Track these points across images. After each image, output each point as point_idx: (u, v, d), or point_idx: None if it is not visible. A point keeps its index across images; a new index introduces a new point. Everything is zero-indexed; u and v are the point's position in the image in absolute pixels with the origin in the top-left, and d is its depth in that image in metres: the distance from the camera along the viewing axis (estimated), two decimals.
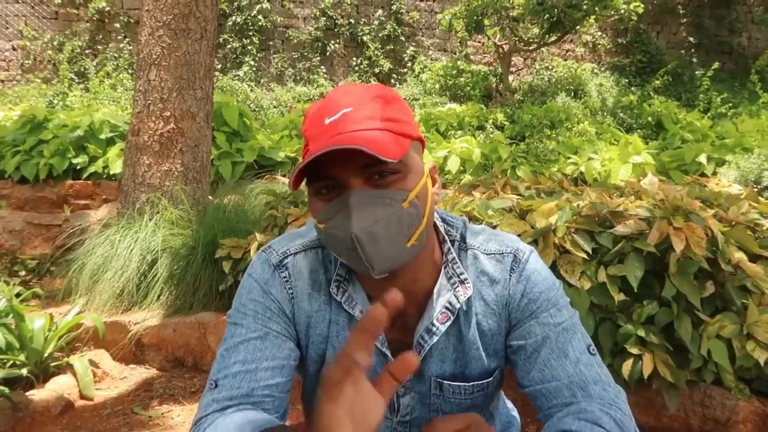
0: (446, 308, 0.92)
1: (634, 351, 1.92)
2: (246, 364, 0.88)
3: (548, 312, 0.92)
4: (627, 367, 1.92)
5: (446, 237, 0.96)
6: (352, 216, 0.77)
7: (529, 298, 0.93)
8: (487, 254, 0.96)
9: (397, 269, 0.85)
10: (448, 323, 0.93)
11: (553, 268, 2.01)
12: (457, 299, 0.92)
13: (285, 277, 0.95)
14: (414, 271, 0.90)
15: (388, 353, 0.94)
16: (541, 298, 0.93)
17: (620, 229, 2.04)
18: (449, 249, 0.95)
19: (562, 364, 0.88)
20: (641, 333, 1.93)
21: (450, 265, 0.94)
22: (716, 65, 8.82)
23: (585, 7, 7.40)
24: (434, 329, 0.92)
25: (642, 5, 7.66)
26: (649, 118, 7.32)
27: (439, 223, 0.97)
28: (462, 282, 0.93)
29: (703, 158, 5.08)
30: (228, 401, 0.85)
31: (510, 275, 0.94)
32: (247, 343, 0.90)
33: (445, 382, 0.95)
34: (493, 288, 0.94)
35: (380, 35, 9.70)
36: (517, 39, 8.62)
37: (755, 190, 3.82)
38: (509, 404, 1.25)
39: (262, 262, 0.97)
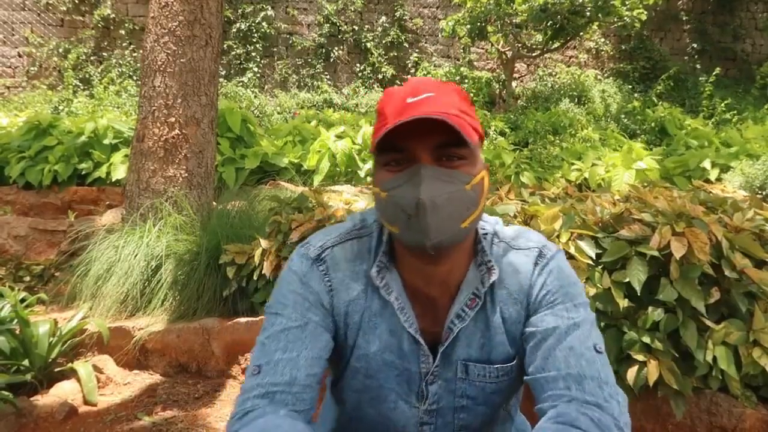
0: (474, 293, 0.98)
1: (639, 358, 1.91)
2: (287, 352, 0.92)
3: (564, 305, 0.95)
4: (632, 373, 1.90)
5: (481, 232, 1.01)
6: (421, 184, 0.84)
7: (548, 290, 0.97)
8: (516, 249, 1.02)
9: (443, 253, 0.89)
10: (477, 308, 0.98)
11: None
12: (483, 284, 0.97)
13: (323, 270, 0.99)
14: (453, 260, 0.96)
15: (422, 341, 0.98)
16: (560, 291, 0.96)
17: (624, 233, 2.04)
18: (480, 240, 1.00)
19: (564, 355, 0.90)
20: (646, 339, 1.92)
21: (480, 254, 0.99)
22: (718, 71, 8.81)
23: (588, 13, 7.41)
24: (464, 314, 0.98)
25: (645, 12, 7.67)
26: (653, 124, 7.32)
27: None
28: (489, 269, 0.97)
29: (707, 164, 5.07)
30: (272, 387, 0.89)
31: (534, 267, 0.99)
32: (287, 332, 0.94)
33: (471, 364, 0.99)
34: (517, 277, 0.99)
35: (384, 42, 9.74)
36: (520, 45, 8.63)
37: (760, 196, 3.81)
38: (524, 418, 1.26)
39: (300, 257, 1.01)
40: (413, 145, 0.86)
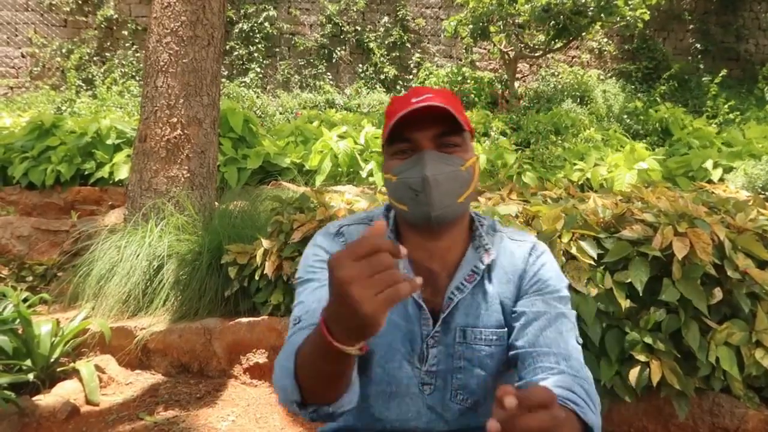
0: (473, 270, 1.11)
1: (641, 358, 1.91)
2: (322, 302, 0.96)
3: (552, 296, 1.09)
4: (634, 374, 1.90)
5: (477, 223, 1.17)
6: (426, 165, 1.02)
7: (539, 277, 1.11)
8: (511, 239, 1.18)
9: (443, 227, 1.07)
10: (475, 282, 1.11)
11: None
12: (482, 262, 1.11)
13: (343, 241, 1.16)
14: (453, 236, 1.12)
15: (424, 306, 1.10)
16: (550, 283, 1.10)
17: (626, 234, 2.03)
18: (478, 228, 1.16)
19: (554, 336, 1.04)
20: (648, 340, 1.92)
21: (477, 239, 1.15)
22: (724, 72, 8.79)
23: (591, 13, 7.39)
24: (463, 287, 1.11)
25: (648, 12, 7.65)
26: (656, 125, 7.30)
27: (472, 214, 1.18)
28: (486, 250, 1.13)
29: (709, 164, 5.06)
30: (311, 329, 0.95)
31: (529, 255, 1.14)
32: (321, 289, 1.06)
33: (468, 329, 1.11)
34: (513, 260, 1.14)
35: (386, 42, 9.74)
36: (522, 45, 8.62)
37: (763, 196, 3.80)
38: None
39: (322, 234, 1.17)
40: (418, 135, 1.04)
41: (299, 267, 1.16)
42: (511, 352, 1.08)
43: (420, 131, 1.05)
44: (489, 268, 1.13)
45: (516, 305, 1.10)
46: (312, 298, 1.07)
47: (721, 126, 7.54)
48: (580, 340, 1.07)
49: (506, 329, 1.11)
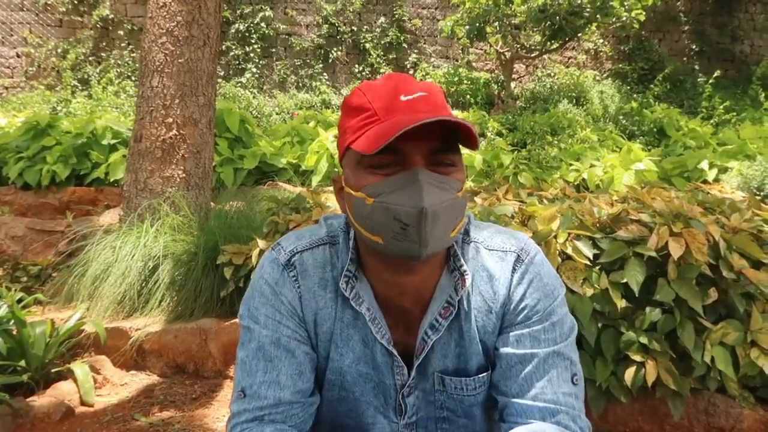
0: (447, 302, 0.92)
1: (637, 358, 1.91)
2: (267, 373, 0.91)
3: (542, 326, 0.91)
4: (630, 374, 1.90)
5: None
6: (423, 192, 0.77)
7: (526, 303, 0.92)
8: (489, 249, 0.95)
9: (418, 265, 0.87)
10: (450, 318, 0.92)
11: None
12: (457, 292, 0.92)
13: (294, 276, 0.95)
14: (428, 269, 0.91)
15: (395, 352, 0.94)
16: (539, 306, 0.92)
17: (622, 234, 2.03)
18: (453, 244, 0.93)
19: (542, 386, 0.89)
20: (644, 340, 1.92)
21: (452, 259, 0.93)
22: (718, 72, 8.82)
23: (586, 14, 7.41)
24: (437, 325, 0.93)
25: (643, 13, 7.68)
26: (651, 125, 7.32)
27: None
28: (462, 274, 0.92)
29: (705, 165, 5.08)
30: (258, 411, 0.89)
31: (512, 275, 0.93)
32: (262, 350, 0.92)
33: (447, 377, 0.95)
34: (492, 284, 0.94)
35: (382, 42, 9.74)
36: (519, 46, 8.63)
37: (758, 197, 3.81)
38: None
39: (271, 262, 0.97)
40: (409, 148, 0.80)
41: (244, 297, 0.98)
42: (495, 394, 0.95)
43: (412, 142, 0.79)
44: (467, 297, 0.93)
45: (500, 340, 0.93)
46: (255, 365, 0.91)
47: (717, 127, 7.57)
48: (578, 378, 0.92)
49: (489, 371, 0.96)
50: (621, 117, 7.79)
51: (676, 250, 1.90)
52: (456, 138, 0.83)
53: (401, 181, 0.80)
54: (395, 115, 0.80)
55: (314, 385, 0.97)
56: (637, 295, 1.94)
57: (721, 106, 8.04)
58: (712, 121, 7.90)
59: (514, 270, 0.93)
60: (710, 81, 8.60)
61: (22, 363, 2.59)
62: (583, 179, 5.16)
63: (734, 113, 8.02)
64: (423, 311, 0.94)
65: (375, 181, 0.82)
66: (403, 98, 0.82)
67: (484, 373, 0.96)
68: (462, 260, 0.92)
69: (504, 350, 0.92)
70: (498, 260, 0.94)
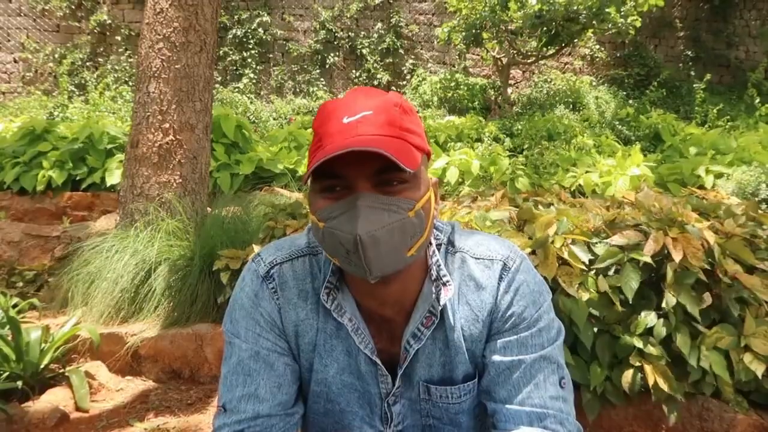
0: (429, 311, 0.93)
1: (636, 363, 1.91)
2: (246, 387, 0.91)
3: (530, 332, 0.92)
4: (627, 378, 1.91)
5: (433, 241, 0.95)
6: (358, 218, 0.77)
7: (513, 310, 0.92)
8: (475, 258, 0.96)
9: (391, 278, 0.86)
10: (433, 327, 0.93)
11: (553, 279, 2.00)
12: (439, 301, 0.92)
13: (273, 288, 0.95)
14: (406, 279, 0.91)
15: (378, 362, 0.95)
16: (526, 313, 0.92)
17: (617, 239, 2.04)
18: (434, 252, 0.94)
19: (530, 391, 0.90)
20: (639, 345, 1.92)
21: (434, 268, 0.93)
22: (708, 77, 8.87)
23: (583, 20, 7.45)
24: (420, 334, 0.93)
25: (639, 19, 7.72)
26: (647, 131, 7.35)
27: None
28: (444, 284, 0.92)
29: (701, 171, 5.09)
30: (237, 425, 0.90)
31: (499, 283, 0.93)
32: (242, 364, 0.93)
33: (433, 386, 0.96)
34: (479, 294, 0.94)
35: (379, 48, 9.77)
36: (515, 52, 8.67)
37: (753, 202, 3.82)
38: None
39: (251, 274, 0.97)
40: (350, 173, 0.79)
41: (227, 309, 0.98)
42: (484, 400, 0.96)
43: (353, 166, 0.78)
44: (451, 306, 0.93)
45: (488, 347, 0.94)
46: (235, 379, 0.92)
47: (710, 129, 7.60)
48: (566, 381, 0.93)
49: (476, 379, 0.97)
50: (617, 122, 7.82)
51: (677, 255, 1.90)
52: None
53: (344, 206, 0.80)
54: (334, 139, 0.79)
55: (297, 396, 0.97)
56: (631, 302, 1.94)
57: (714, 110, 8.08)
58: (705, 126, 7.94)
59: (500, 278, 0.93)
60: (702, 86, 8.65)
61: (17, 369, 2.58)
62: (580, 185, 5.17)
63: (728, 118, 8.05)
64: (407, 319, 0.94)
65: (324, 205, 0.82)
66: (345, 120, 0.80)
67: (470, 382, 0.96)
68: (445, 270, 0.93)
69: (492, 357, 0.93)
70: (484, 269, 0.94)
